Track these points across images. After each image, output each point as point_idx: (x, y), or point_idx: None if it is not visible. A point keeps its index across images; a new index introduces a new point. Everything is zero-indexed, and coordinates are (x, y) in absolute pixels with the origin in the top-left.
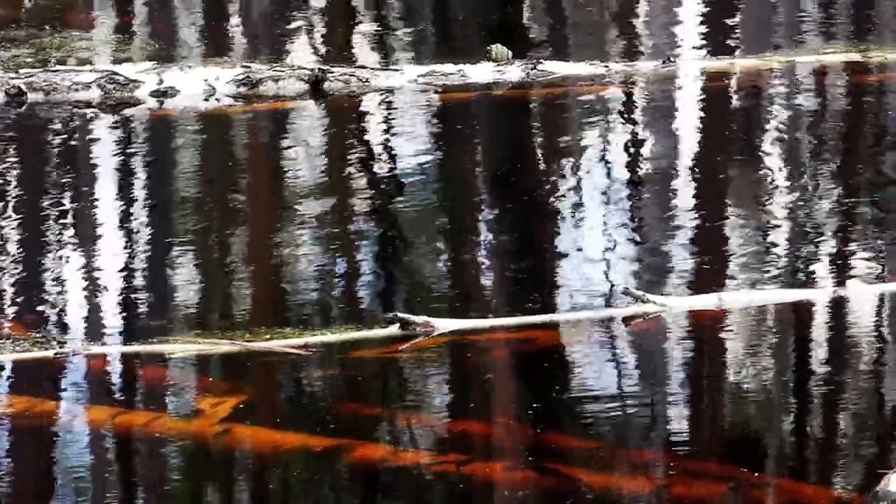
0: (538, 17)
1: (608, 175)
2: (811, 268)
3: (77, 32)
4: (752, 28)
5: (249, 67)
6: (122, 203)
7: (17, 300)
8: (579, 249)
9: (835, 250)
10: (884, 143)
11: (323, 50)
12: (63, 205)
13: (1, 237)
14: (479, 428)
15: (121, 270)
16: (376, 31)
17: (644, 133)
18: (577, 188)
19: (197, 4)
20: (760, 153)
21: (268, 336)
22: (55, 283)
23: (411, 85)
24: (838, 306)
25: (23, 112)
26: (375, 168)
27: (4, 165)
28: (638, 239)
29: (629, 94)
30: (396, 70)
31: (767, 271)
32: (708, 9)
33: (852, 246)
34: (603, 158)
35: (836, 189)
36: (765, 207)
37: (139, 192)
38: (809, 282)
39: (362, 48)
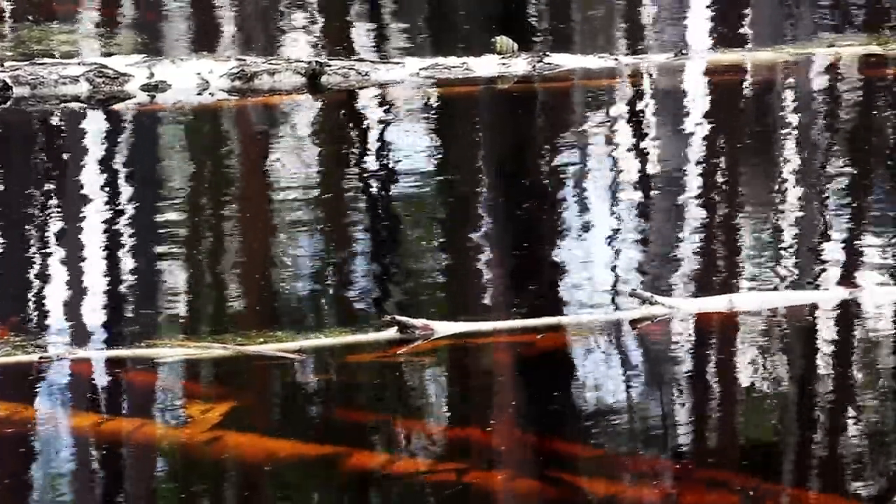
0: (545, 9)
1: (616, 172)
2: (823, 269)
3: (64, 24)
4: (765, 20)
5: (244, 60)
6: (109, 202)
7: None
8: (585, 249)
9: (848, 250)
10: None
11: (321, 42)
12: (48, 204)
13: None
14: (480, 435)
15: (108, 271)
16: (377, 22)
17: (654, 128)
18: (584, 186)
19: None
20: (773, 149)
21: (261, 339)
22: (39, 284)
23: (413, 78)
24: (852, 308)
25: (8, 107)
26: (373, 167)
27: None
28: (646, 239)
29: (639, 88)
30: (397, 63)
31: (778, 272)
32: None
33: (866, 246)
34: (611, 155)
35: (850, 186)
36: (778, 206)
37: (127, 190)
38: (822, 283)
39: (362, 40)
